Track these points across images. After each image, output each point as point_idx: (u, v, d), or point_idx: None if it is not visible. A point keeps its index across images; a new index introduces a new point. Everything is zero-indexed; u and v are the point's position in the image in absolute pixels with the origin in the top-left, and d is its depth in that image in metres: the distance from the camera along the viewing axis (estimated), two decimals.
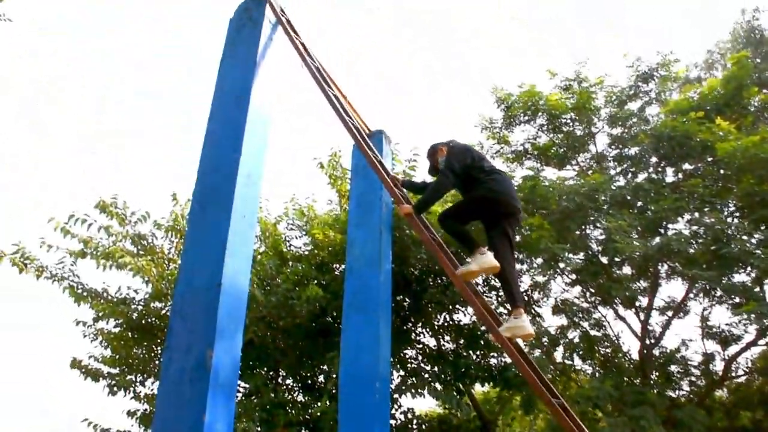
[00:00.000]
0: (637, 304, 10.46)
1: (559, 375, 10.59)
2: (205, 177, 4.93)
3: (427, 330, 10.65)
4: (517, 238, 9.65)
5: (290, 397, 10.61)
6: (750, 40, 18.65)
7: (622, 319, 10.76)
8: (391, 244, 7.26)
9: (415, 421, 10.56)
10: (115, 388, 10.56)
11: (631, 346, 11.12)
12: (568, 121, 12.65)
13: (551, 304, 10.95)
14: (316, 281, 9.50)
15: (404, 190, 5.62)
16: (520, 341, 4.76)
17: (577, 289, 11.04)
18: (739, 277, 9.33)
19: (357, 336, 6.49)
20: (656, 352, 10.61)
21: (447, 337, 10.71)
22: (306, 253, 10.62)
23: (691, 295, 10.41)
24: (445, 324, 10.60)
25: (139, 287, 10.50)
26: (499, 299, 10.65)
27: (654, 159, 11.10)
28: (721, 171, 9.91)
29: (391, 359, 7.94)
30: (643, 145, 10.90)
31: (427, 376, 10.07)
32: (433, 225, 6.00)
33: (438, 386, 9.69)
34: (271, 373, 10.59)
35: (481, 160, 5.21)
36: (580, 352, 10.46)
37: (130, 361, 10.61)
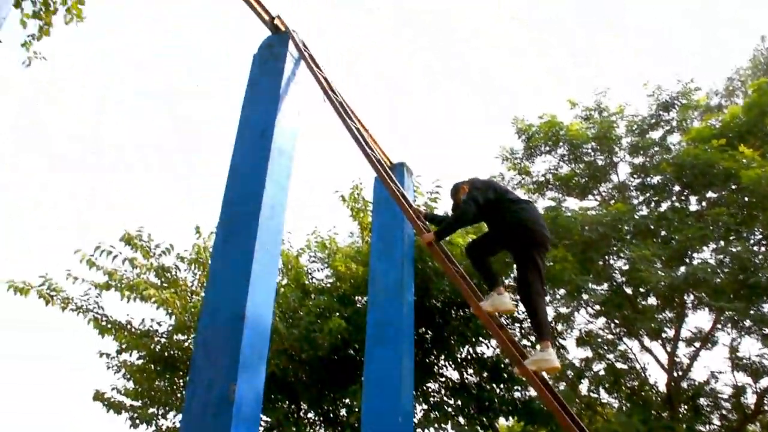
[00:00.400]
0: (664, 335, 10.30)
1: (585, 409, 10.43)
2: (229, 209, 4.96)
3: (450, 363, 10.55)
4: None
5: (312, 431, 10.53)
6: None
7: (649, 350, 10.58)
8: (413, 276, 7.25)
9: None
10: (138, 421, 10.57)
11: (658, 378, 10.92)
12: (590, 150, 12.62)
13: (575, 336, 10.83)
14: (338, 314, 9.48)
15: (426, 222, 5.62)
16: (545, 374, 4.70)
17: (602, 320, 10.90)
18: None
19: (380, 369, 6.46)
20: (684, 384, 10.41)
21: (470, 370, 10.61)
22: (328, 285, 10.63)
23: (719, 326, 10.23)
24: (468, 356, 10.51)
25: (162, 319, 10.56)
26: (522, 331, 10.56)
27: (677, 188, 11.00)
28: (746, 199, 9.80)
29: (414, 393, 7.88)
30: (665, 173, 10.81)
31: (450, 409, 9.96)
32: (456, 257, 5.99)
33: (461, 420, 9.58)
34: (292, 406, 10.53)
35: (506, 192, 5.18)
36: (606, 385, 10.29)
37: (153, 393, 10.62)
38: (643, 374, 10.61)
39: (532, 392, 9.82)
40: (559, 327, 10.76)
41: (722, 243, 9.41)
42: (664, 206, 11.13)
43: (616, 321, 10.56)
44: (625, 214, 9.72)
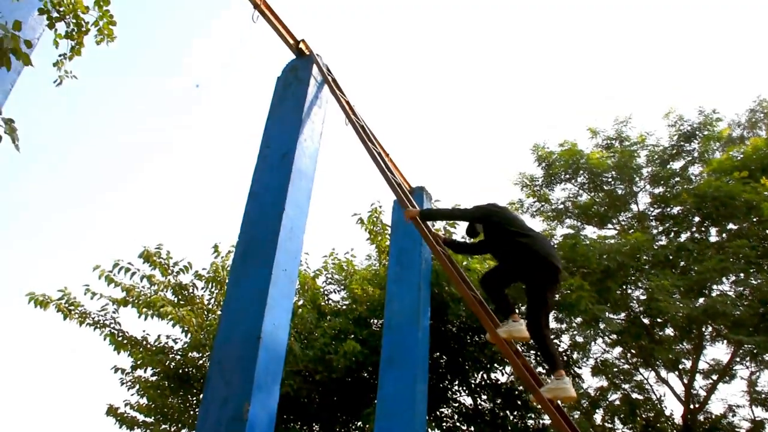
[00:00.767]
0: (681, 366, 10.20)
1: None
2: (249, 230, 5.00)
3: (464, 388, 10.49)
4: (557, 297, 9.56)
5: None
6: None
7: (665, 381, 10.48)
8: (429, 300, 7.25)
9: None
10: None
11: (674, 410, 10.81)
12: (610, 179, 12.60)
13: (591, 365, 10.75)
14: (353, 336, 9.48)
15: (445, 247, 5.64)
16: (560, 402, 4.67)
17: (618, 349, 10.83)
18: None
19: (393, 392, 6.44)
20: (701, 417, 10.28)
21: (484, 396, 10.54)
22: (344, 307, 10.64)
23: (738, 359, 10.12)
24: (483, 382, 10.45)
25: (177, 336, 10.61)
26: (538, 359, 10.50)
27: (697, 219, 10.94)
28: (767, 231, 9.73)
29: (427, 417, 7.83)
30: (686, 204, 10.77)
31: None
32: (473, 283, 5.99)
33: None
34: (305, 427, 10.50)
35: (515, 219, 5.19)
36: (621, 416, 10.20)
37: (166, 410, 10.64)
38: (659, 405, 10.50)
39: (547, 420, 9.74)
40: (575, 355, 10.69)
41: (742, 275, 9.32)
42: (683, 237, 11.06)
43: (633, 351, 10.48)
44: (644, 243, 9.68)
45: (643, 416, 10.43)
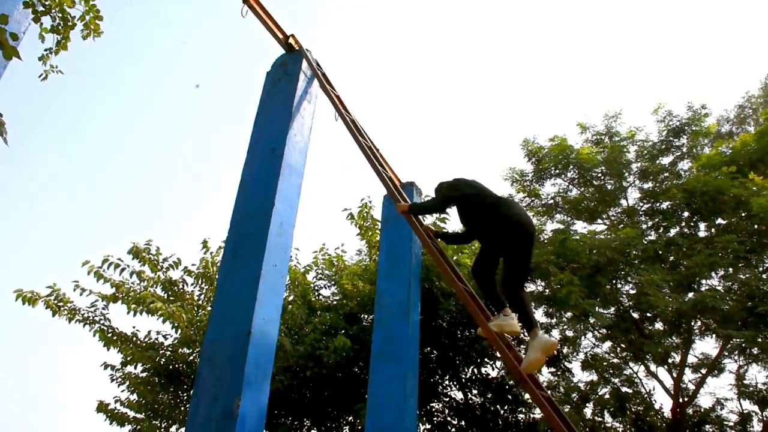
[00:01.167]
0: (670, 360, 10.25)
1: None
2: (238, 225, 4.99)
3: (455, 383, 10.52)
4: (546, 291, 9.59)
5: None
6: None
7: (654, 375, 10.53)
8: (420, 295, 7.25)
9: None
10: None
11: (664, 404, 10.87)
12: (599, 174, 12.64)
13: (581, 359, 10.78)
14: (344, 331, 9.48)
15: (436, 241, 5.64)
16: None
17: (608, 344, 10.87)
18: None
19: (384, 388, 6.44)
20: (690, 411, 10.35)
21: (475, 391, 10.57)
22: (335, 302, 10.64)
23: (726, 353, 10.18)
24: (473, 377, 10.48)
25: (168, 332, 10.59)
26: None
27: (686, 214, 10.99)
28: (756, 226, 9.77)
29: (418, 412, 7.84)
30: (675, 199, 10.81)
31: (454, 430, 9.91)
32: (465, 277, 6.00)
33: None
34: (296, 423, 10.50)
35: (484, 194, 5.22)
36: (611, 409, 10.24)
37: (157, 406, 10.63)
38: (648, 399, 10.55)
39: (537, 414, 9.78)
40: (565, 350, 10.72)
41: (731, 270, 9.37)
42: (672, 232, 11.11)
43: (623, 345, 10.52)
44: (633, 238, 9.72)
45: (633, 410, 10.48)
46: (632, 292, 10.03)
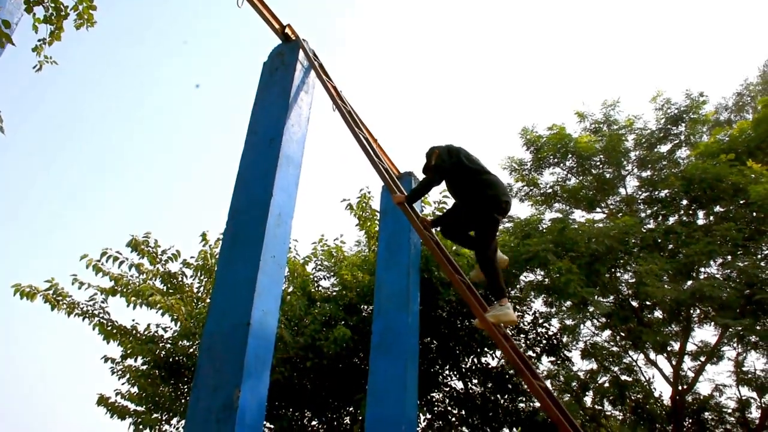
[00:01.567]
0: (669, 348, 10.26)
1: (589, 421, 10.38)
2: (236, 216, 4.98)
3: (455, 373, 10.53)
4: (546, 281, 9.59)
5: None
6: None
7: (654, 363, 10.54)
8: (419, 285, 7.25)
9: None
10: (141, 427, 10.59)
11: (663, 391, 10.89)
12: (598, 163, 12.62)
13: (581, 348, 10.80)
14: (343, 322, 9.49)
15: (433, 231, 5.64)
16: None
17: (607, 332, 10.87)
18: None
19: (384, 378, 6.45)
20: (689, 398, 10.36)
21: (475, 381, 10.59)
22: (334, 293, 10.64)
23: (725, 341, 10.19)
24: (473, 367, 10.49)
25: (167, 325, 10.59)
26: (527, 342, 10.54)
27: (685, 202, 10.96)
28: (754, 214, 9.76)
29: (418, 402, 7.85)
30: (673, 187, 10.79)
31: (454, 420, 9.94)
32: (463, 268, 6.00)
33: (465, 430, 9.56)
34: (296, 414, 10.52)
35: (473, 162, 5.43)
36: (611, 398, 10.25)
37: (157, 399, 10.64)
38: (648, 387, 10.57)
39: (537, 404, 9.80)
40: (565, 339, 10.74)
41: (729, 258, 9.36)
42: (671, 220, 11.09)
43: (622, 333, 10.53)
44: (632, 227, 9.70)
45: (633, 398, 10.50)
46: (631, 280, 10.02)
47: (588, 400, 10.59)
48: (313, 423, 10.78)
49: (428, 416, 10.28)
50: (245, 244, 4.73)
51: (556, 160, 12.80)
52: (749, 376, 10.21)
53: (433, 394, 10.52)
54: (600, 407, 10.50)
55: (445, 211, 7.27)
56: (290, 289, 10.76)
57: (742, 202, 9.92)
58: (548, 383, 4.63)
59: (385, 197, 7.81)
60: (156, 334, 10.56)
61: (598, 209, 13.03)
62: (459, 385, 10.62)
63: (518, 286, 10.20)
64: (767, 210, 9.22)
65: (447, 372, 10.59)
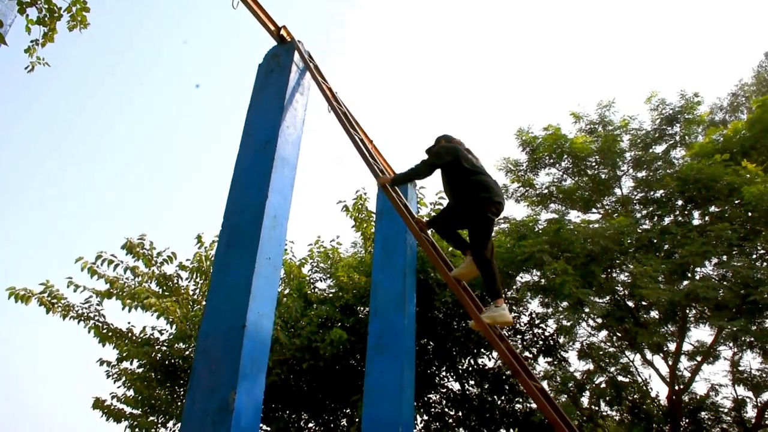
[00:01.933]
0: (665, 349, 10.28)
1: (586, 421, 10.39)
2: (232, 218, 4.97)
3: (452, 374, 10.53)
4: (542, 281, 9.60)
5: None
6: None
7: (650, 364, 10.55)
8: (415, 287, 7.25)
9: None
10: (137, 429, 10.56)
11: (660, 391, 10.90)
12: (593, 164, 12.63)
13: (577, 349, 10.80)
14: (340, 324, 9.48)
15: (429, 233, 5.64)
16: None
17: (604, 333, 10.88)
18: None
19: (380, 379, 6.44)
20: (686, 398, 10.38)
21: (471, 382, 10.59)
22: (330, 295, 10.63)
23: (720, 340, 10.21)
24: (470, 368, 10.50)
25: (163, 328, 10.57)
26: (524, 344, 10.55)
27: (680, 202, 10.98)
28: (749, 214, 9.78)
29: (415, 403, 7.84)
30: (668, 187, 10.80)
31: (451, 421, 9.93)
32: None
33: (462, 431, 9.55)
34: (293, 416, 10.51)
35: (467, 161, 5.43)
36: (608, 398, 10.26)
37: (153, 402, 10.62)
38: (644, 387, 10.58)
39: (533, 405, 9.80)
40: (561, 339, 10.74)
41: (725, 258, 9.37)
42: (666, 220, 11.10)
43: (618, 334, 10.54)
44: (627, 227, 9.71)
45: (629, 398, 10.52)
46: (627, 281, 10.03)
47: (585, 400, 10.61)
48: (310, 425, 10.77)
49: (425, 417, 10.28)
50: (240, 246, 4.72)
51: (551, 160, 12.80)
52: (745, 375, 10.24)
53: (430, 396, 10.51)
54: (597, 408, 10.51)
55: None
56: (286, 291, 10.75)
57: (737, 202, 9.94)
58: (545, 384, 4.63)
59: (381, 198, 7.80)
60: (152, 336, 10.54)
61: (594, 210, 13.04)
62: (456, 386, 10.62)
63: (514, 287, 10.20)
64: (762, 210, 9.24)
65: (444, 373, 10.59)
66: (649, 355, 10.56)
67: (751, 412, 10.27)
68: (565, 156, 12.54)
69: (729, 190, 9.75)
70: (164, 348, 10.36)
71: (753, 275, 8.53)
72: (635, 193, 12.45)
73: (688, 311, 9.93)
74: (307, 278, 11.18)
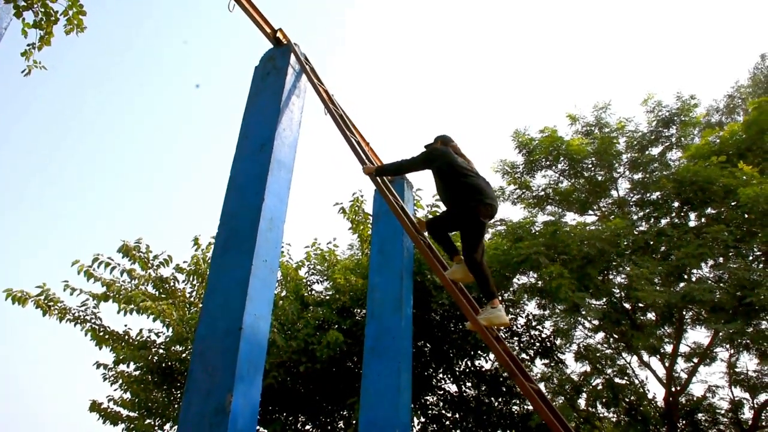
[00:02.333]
0: (662, 350, 10.28)
1: (583, 423, 10.39)
2: (228, 221, 4.97)
3: (449, 376, 10.53)
4: (539, 283, 9.60)
5: None
6: None
7: (647, 365, 10.56)
8: (412, 289, 7.25)
9: None
10: None
11: (657, 393, 10.90)
12: (590, 166, 12.64)
13: (574, 351, 10.81)
14: (337, 326, 9.48)
15: (425, 235, 5.64)
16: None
17: (600, 335, 10.89)
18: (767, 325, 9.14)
19: (377, 381, 6.45)
20: (682, 399, 10.38)
21: (469, 383, 10.59)
22: (327, 297, 10.63)
23: (717, 342, 10.22)
24: (467, 370, 10.50)
25: (160, 330, 10.56)
26: (521, 345, 10.55)
27: (676, 204, 10.99)
28: (745, 215, 9.79)
29: (412, 405, 7.84)
30: (665, 189, 10.81)
31: (448, 423, 9.93)
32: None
33: None
34: (290, 418, 10.50)
35: (458, 164, 5.41)
36: (604, 400, 10.26)
37: (150, 404, 10.60)
38: (641, 389, 10.59)
39: (530, 407, 9.80)
40: (558, 341, 10.75)
41: (721, 260, 9.39)
42: (663, 222, 11.11)
43: (615, 336, 10.55)
44: (624, 229, 9.72)
45: (626, 400, 10.52)
46: (624, 283, 10.03)
47: (582, 402, 10.60)
48: (307, 427, 10.76)
49: (422, 419, 10.27)
50: (237, 249, 4.72)
51: (548, 162, 12.81)
52: (741, 377, 10.26)
53: (427, 398, 10.51)
54: (594, 409, 10.51)
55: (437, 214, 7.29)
56: (283, 294, 10.75)
57: (733, 204, 9.95)
58: (542, 386, 4.63)
59: (377, 201, 7.80)
60: (148, 339, 10.53)
61: (590, 212, 13.05)
62: (453, 388, 10.62)
63: (511, 289, 10.21)
64: (758, 212, 9.25)
65: (441, 375, 10.59)
66: (645, 357, 10.57)
67: (747, 414, 10.29)
68: (562, 158, 12.55)
69: (725, 192, 9.77)
70: (161, 351, 10.35)
71: (749, 277, 8.54)
72: (632, 195, 12.46)
73: (684, 313, 9.94)
74: (304, 280, 11.18)
